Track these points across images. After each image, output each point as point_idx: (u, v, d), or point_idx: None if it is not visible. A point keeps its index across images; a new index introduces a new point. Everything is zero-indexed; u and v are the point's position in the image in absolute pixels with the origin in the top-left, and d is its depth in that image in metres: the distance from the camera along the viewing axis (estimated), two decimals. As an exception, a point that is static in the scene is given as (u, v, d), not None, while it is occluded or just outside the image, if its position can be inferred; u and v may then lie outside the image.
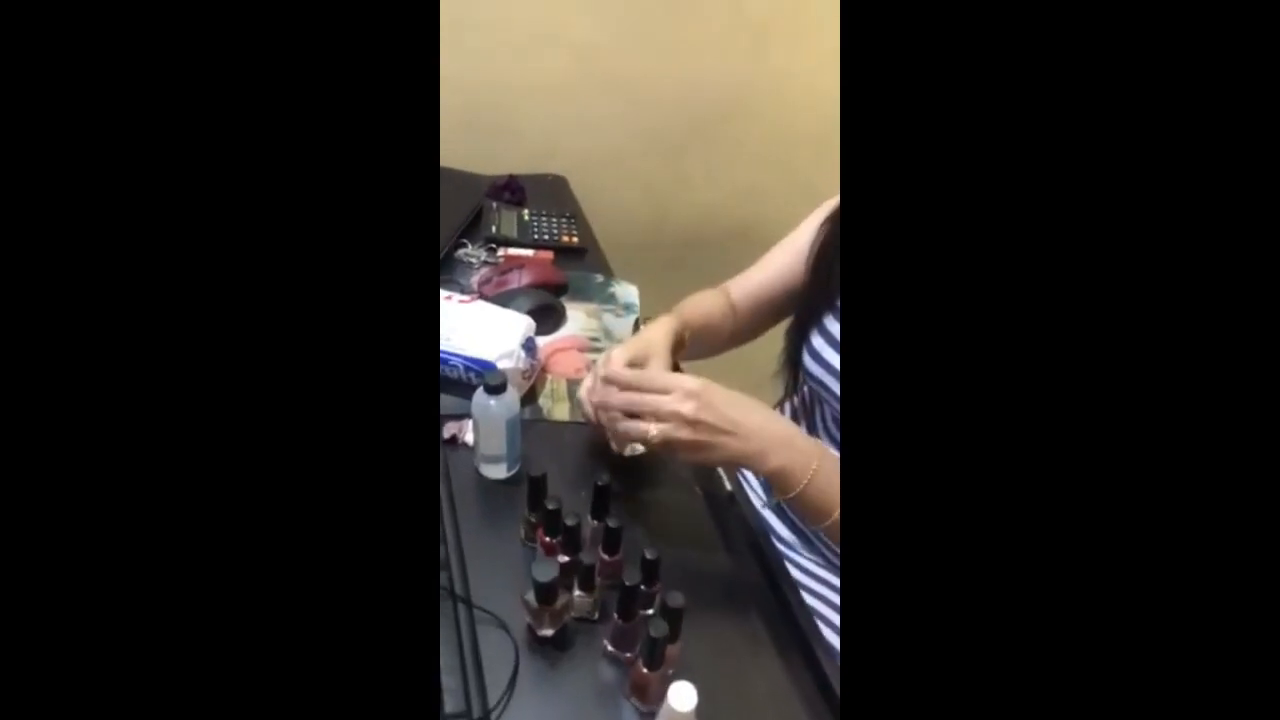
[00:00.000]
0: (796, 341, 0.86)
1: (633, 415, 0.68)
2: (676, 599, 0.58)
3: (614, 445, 0.76)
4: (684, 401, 0.65)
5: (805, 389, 0.91)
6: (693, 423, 0.65)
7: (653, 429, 0.66)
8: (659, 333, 0.80)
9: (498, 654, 0.64)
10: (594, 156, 1.42)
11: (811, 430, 0.92)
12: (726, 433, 0.66)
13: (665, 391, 0.67)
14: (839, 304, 0.80)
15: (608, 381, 0.71)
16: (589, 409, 0.76)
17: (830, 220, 0.85)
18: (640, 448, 0.78)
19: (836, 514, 0.67)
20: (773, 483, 0.69)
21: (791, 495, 0.68)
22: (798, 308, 0.88)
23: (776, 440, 0.68)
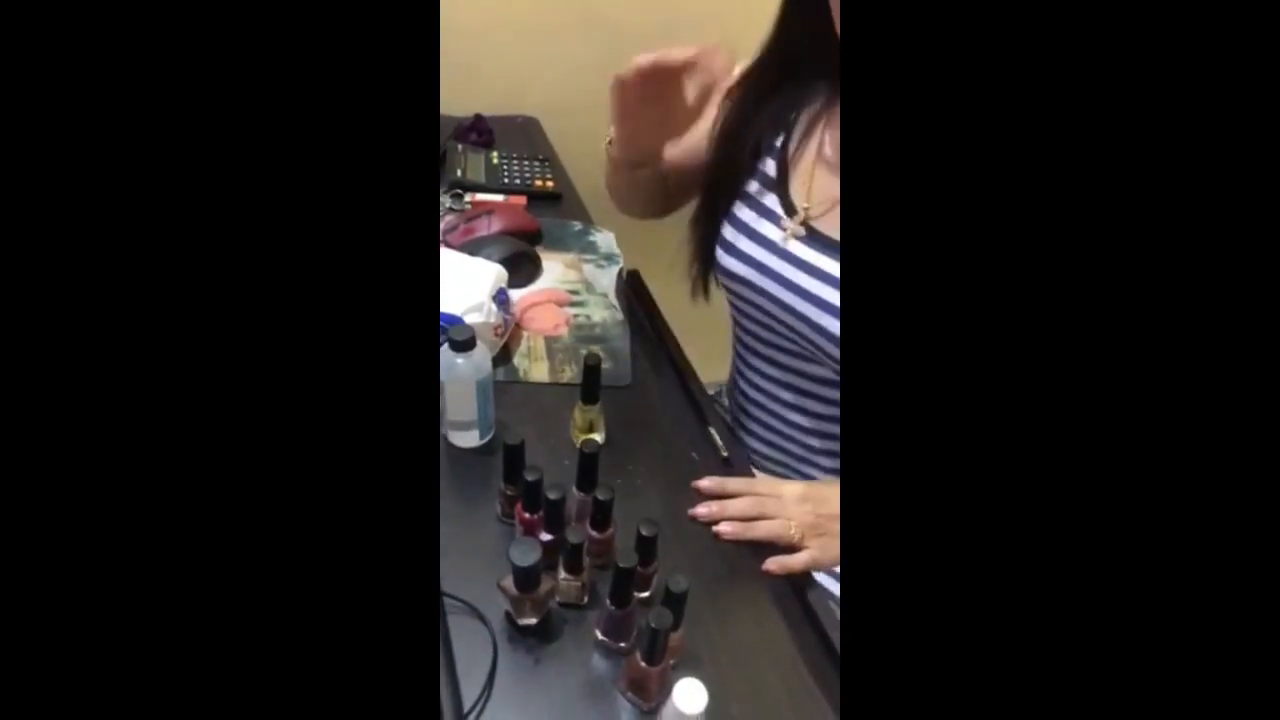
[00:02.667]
0: (706, 234, 0.78)
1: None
2: (679, 583, 0.50)
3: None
4: (799, 506, 0.67)
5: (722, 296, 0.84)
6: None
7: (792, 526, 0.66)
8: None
9: (473, 647, 0.56)
10: (568, 98, 1.31)
11: (740, 352, 0.85)
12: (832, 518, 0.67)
13: (773, 495, 0.68)
14: (750, 190, 0.75)
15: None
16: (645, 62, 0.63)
17: (729, 96, 0.74)
18: (598, 439, 0.72)
19: None
20: None
21: None
22: (702, 195, 0.80)
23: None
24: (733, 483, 0.69)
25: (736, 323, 0.83)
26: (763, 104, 0.75)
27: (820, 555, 0.66)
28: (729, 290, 0.79)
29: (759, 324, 0.78)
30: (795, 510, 0.66)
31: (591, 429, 0.71)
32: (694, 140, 0.82)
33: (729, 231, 0.75)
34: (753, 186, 0.75)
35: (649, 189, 0.84)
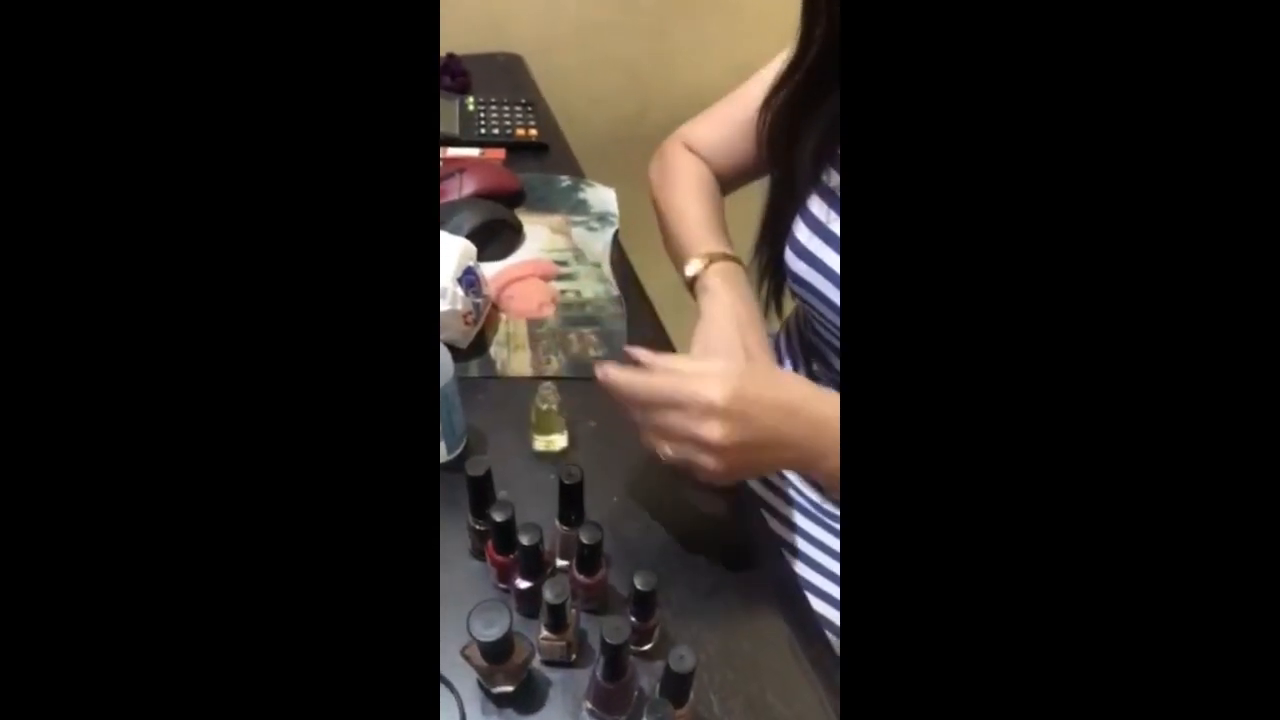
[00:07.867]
0: (774, 242, 0.67)
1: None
2: (684, 662, 0.40)
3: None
4: (702, 423, 0.47)
5: (789, 310, 0.75)
6: (720, 450, 0.47)
7: (666, 448, 0.49)
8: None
9: (438, 721, 0.46)
10: (556, 31, 1.16)
11: (808, 354, 0.74)
12: (768, 448, 0.49)
13: (675, 405, 0.48)
14: (836, 180, 0.61)
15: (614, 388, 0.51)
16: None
17: (765, 107, 0.64)
18: (559, 441, 0.61)
19: None
20: (826, 485, 0.53)
21: None
22: (764, 217, 0.69)
23: (831, 437, 0.50)
24: (638, 384, 0.49)
25: (810, 327, 0.72)
26: (813, 108, 0.61)
27: (691, 461, 0.48)
28: (803, 308, 0.68)
29: (827, 330, 0.67)
30: (694, 429, 0.47)
31: (550, 429, 0.60)
32: (733, 145, 0.73)
33: (803, 233, 0.62)
34: (814, 203, 0.62)
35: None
